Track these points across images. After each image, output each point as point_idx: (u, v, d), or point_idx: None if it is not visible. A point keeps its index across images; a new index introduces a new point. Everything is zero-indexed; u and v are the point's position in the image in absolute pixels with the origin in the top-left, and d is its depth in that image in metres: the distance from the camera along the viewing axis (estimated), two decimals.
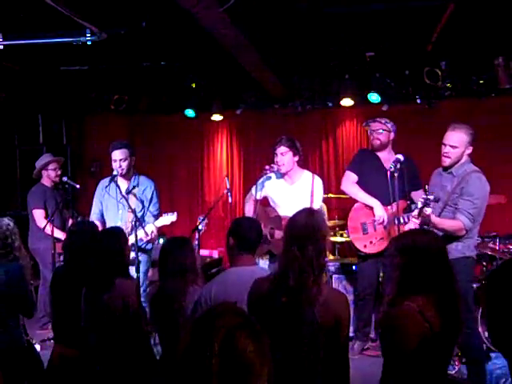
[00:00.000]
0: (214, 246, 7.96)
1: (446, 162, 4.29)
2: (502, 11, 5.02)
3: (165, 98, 7.90)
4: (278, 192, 5.06)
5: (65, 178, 5.95)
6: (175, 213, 4.98)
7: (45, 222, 5.92)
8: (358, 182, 5.24)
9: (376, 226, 5.05)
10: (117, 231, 3.78)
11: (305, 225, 2.60)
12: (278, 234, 4.73)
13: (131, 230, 4.77)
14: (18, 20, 4.85)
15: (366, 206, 5.12)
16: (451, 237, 4.22)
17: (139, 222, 4.80)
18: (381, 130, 5.15)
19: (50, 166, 6.30)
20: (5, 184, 7.77)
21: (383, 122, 5.17)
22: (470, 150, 4.28)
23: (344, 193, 5.41)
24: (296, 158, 4.95)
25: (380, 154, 5.20)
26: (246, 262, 3.07)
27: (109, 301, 3.30)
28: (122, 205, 4.98)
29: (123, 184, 5.08)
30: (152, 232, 4.89)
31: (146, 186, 5.14)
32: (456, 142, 4.22)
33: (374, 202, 5.04)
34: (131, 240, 4.76)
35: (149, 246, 5.14)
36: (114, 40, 5.09)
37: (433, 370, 2.50)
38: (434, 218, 4.12)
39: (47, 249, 5.76)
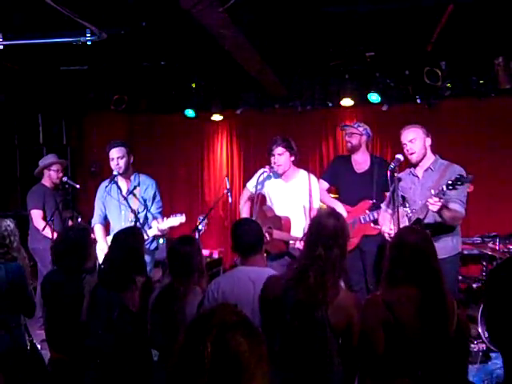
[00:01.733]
0: (214, 246, 7.97)
1: (414, 157, 4.45)
2: (501, 12, 5.02)
3: (165, 98, 7.90)
4: (274, 189, 5.08)
5: (65, 178, 5.96)
6: (183, 214, 4.95)
7: (42, 222, 5.92)
8: (333, 186, 5.54)
9: None
10: (135, 230, 3.83)
11: (334, 227, 2.68)
12: (277, 233, 4.72)
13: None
14: (18, 20, 4.85)
15: None
16: (447, 232, 4.33)
17: (139, 222, 4.80)
18: (351, 134, 5.38)
19: (53, 167, 6.30)
20: (5, 184, 7.77)
21: (355, 126, 5.44)
22: (429, 141, 4.46)
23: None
24: (292, 158, 4.97)
25: (354, 156, 5.42)
26: (255, 262, 3.11)
27: (126, 297, 3.32)
28: (123, 205, 4.98)
29: (124, 184, 5.08)
30: (157, 229, 4.89)
31: (147, 185, 5.12)
32: (411, 135, 4.42)
33: (336, 205, 5.18)
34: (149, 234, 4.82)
35: (152, 246, 5.14)
36: (114, 40, 5.09)
37: (405, 364, 2.56)
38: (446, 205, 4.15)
39: (46, 249, 5.71)
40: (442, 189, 3.99)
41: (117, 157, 4.98)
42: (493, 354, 4.63)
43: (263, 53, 5.67)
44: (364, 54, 6.52)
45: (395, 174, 4.44)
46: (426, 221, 4.30)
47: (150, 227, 4.92)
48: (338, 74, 7.11)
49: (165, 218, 4.92)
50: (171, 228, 4.96)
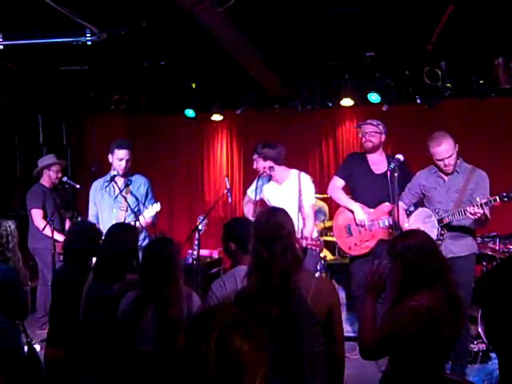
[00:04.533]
0: (214, 246, 7.95)
1: (451, 169, 4.45)
2: (501, 11, 5.03)
3: (165, 98, 7.89)
4: (270, 192, 5.17)
5: (65, 178, 5.95)
6: (158, 202, 4.95)
7: (43, 222, 5.93)
8: (347, 185, 5.29)
9: (361, 229, 5.09)
10: (129, 224, 3.86)
11: (267, 223, 2.59)
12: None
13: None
14: (18, 20, 4.86)
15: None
16: (469, 233, 4.46)
17: (137, 218, 4.82)
18: (373, 133, 5.13)
19: (53, 168, 6.32)
20: (5, 184, 7.77)
21: (375, 123, 5.16)
22: (457, 148, 4.46)
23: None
24: (268, 163, 5.06)
25: (371, 156, 5.20)
26: None
27: (118, 292, 3.30)
28: (116, 204, 5.00)
29: (119, 183, 5.10)
30: (144, 221, 4.90)
31: (139, 184, 5.12)
32: (449, 151, 4.38)
33: (354, 207, 5.10)
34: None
35: (145, 243, 5.16)
36: (114, 40, 5.10)
37: (433, 361, 2.57)
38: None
39: (47, 248, 5.77)
40: (486, 202, 4.15)
41: (126, 159, 4.98)
42: (493, 354, 4.63)
43: (263, 53, 5.67)
44: (364, 54, 6.52)
45: (395, 175, 4.45)
46: (437, 218, 4.39)
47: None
48: (338, 73, 7.10)
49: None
50: (153, 218, 4.96)
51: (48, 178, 6.30)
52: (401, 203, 4.62)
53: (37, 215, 6.08)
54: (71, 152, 8.23)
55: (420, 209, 4.56)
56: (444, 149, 4.36)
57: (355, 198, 5.19)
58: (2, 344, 3.62)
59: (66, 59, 6.46)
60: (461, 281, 3.94)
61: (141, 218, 4.87)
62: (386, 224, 4.94)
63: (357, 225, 5.09)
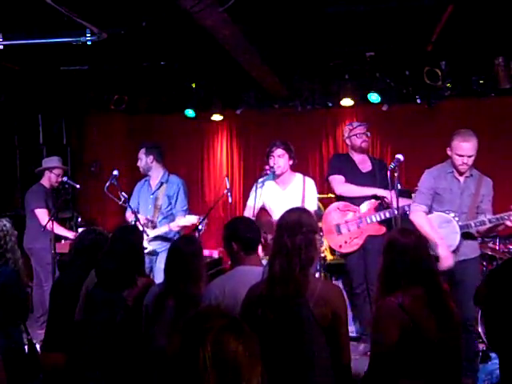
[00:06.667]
0: (214, 246, 7.95)
1: (465, 169, 4.32)
2: (502, 11, 5.02)
3: (165, 98, 7.89)
4: (271, 197, 5.11)
5: (65, 178, 5.97)
6: (197, 216, 5.10)
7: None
8: None
9: (350, 227, 5.19)
10: (132, 228, 3.90)
11: (297, 219, 2.73)
12: (271, 239, 4.75)
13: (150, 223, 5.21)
14: (18, 20, 4.85)
15: (340, 207, 5.26)
16: (475, 235, 4.42)
17: (139, 222, 4.88)
18: (365, 133, 5.33)
19: (55, 171, 6.33)
20: (5, 184, 7.77)
21: (364, 125, 5.39)
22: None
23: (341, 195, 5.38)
24: (291, 162, 5.03)
25: (356, 156, 5.35)
26: (253, 262, 3.12)
27: (128, 297, 3.30)
28: (151, 201, 5.36)
29: (154, 181, 5.49)
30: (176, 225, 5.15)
31: (173, 184, 5.43)
32: (473, 151, 4.25)
33: (373, 190, 5.15)
34: (155, 233, 5.15)
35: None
36: (114, 40, 5.09)
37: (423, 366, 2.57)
38: None
39: (43, 248, 5.78)
40: None
41: (138, 157, 5.49)
42: (493, 354, 4.62)
43: (263, 53, 5.67)
44: (364, 54, 6.52)
45: (395, 174, 4.47)
46: (459, 223, 4.31)
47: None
48: (338, 73, 7.11)
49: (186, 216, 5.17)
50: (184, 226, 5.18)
51: (48, 179, 6.31)
52: (424, 207, 4.43)
53: (43, 214, 6.05)
54: (71, 152, 8.22)
55: (435, 213, 4.39)
56: (470, 146, 4.23)
57: (343, 197, 5.28)
58: (7, 345, 3.61)
59: (66, 59, 6.45)
60: (473, 282, 3.91)
61: (173, 224, 5.12)
62: (374, 220, 5.11)
63: (345, 223, 5.19)
